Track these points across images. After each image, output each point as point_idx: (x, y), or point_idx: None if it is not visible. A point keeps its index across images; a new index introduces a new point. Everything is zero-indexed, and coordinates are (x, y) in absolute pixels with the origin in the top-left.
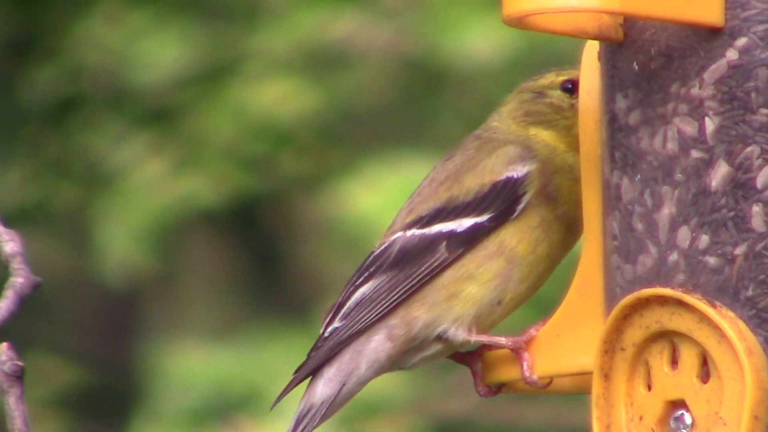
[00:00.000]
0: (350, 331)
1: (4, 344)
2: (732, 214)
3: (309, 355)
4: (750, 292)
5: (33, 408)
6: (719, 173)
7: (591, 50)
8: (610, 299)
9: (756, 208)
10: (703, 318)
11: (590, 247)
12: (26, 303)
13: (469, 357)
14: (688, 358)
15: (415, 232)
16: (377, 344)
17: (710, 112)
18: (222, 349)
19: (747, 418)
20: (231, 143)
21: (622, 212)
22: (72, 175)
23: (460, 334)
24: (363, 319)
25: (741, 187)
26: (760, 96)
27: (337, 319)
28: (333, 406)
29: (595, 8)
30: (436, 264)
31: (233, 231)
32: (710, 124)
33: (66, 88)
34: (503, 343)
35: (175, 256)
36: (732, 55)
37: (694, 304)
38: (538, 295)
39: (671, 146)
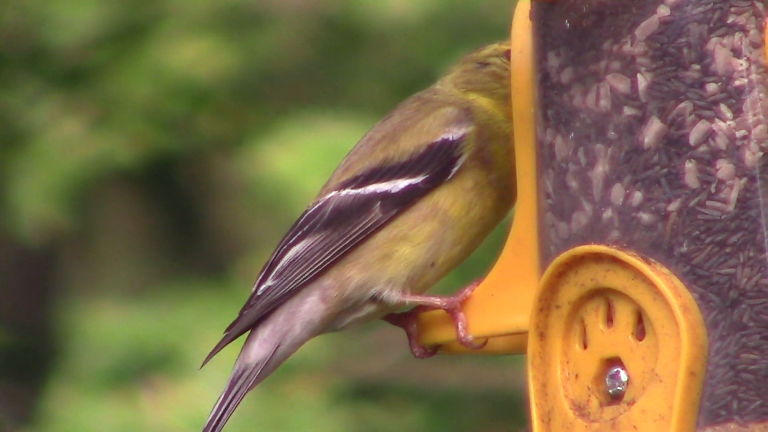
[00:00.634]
0: (283, 290)
1: None
2: (665, 170)
3: (241, 314)
4: (684, 248)
5: None
6: (652, 130)
7: (523, 9)
8: (545, 257)
9: (689, 165)
10: (638, 275)
11: (524, 206)
12: None
13: (404, 318)
14: (624, 315)
15: (350, 191)
16: (311, 305)
17: (642, 69)
18: (140, 309)
19: (683, 375)
20: (148, 103)
21: (556, 170)
22: None
23: (393, 295)
24: (296, 279)
25: (674, 143)
26: (692, 52)
27: (270, 277)
28: (268, 367)
29: None
30: (369, 224)
31: (151, 191)
32: (642, 81)
33: None
34: (438, 303)
35: (92, 215)
36: (663, 11)
37: (629, 261)
38: (473, 260)
39: (604, 104)
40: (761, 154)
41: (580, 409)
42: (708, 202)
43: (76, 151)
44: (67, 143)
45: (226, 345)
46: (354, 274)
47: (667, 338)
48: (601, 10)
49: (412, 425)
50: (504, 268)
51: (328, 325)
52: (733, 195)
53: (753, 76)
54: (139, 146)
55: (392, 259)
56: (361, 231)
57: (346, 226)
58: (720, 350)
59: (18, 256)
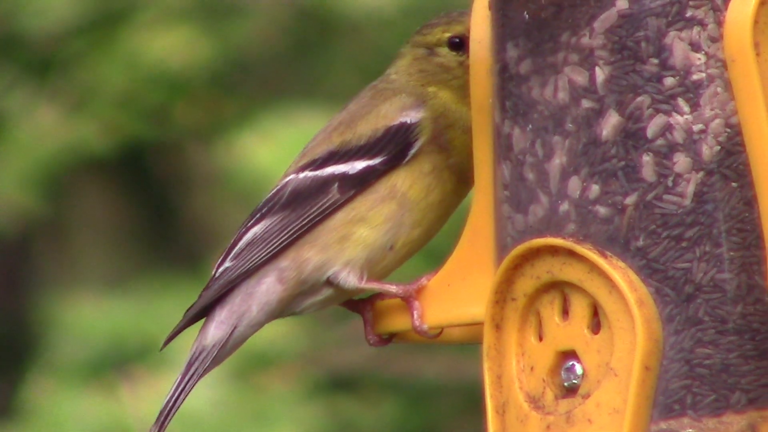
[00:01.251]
0: (240, 271)
1: None
2: (622, 164)
3: (200, 295)
4: (641, 242)
5: None
6: (610, 123)
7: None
8: (501, 249)
9: (646, 158)
10: (594, 268)
11: (481, 197)
12: None
13: (361, 305)
14: (579, 308)
15: (308, 173)
16: (268, 286)
17: (600, 62)
18: (116, 299)
19: (638, 369)
20: (124, 92)
21: (513, 162)
22: None
23: (350, 279)
24: (253, 259)
25: (631, 136)
26: (650, 46)
27: (228, 259)
28: (224, 348)
29: None
30: (327, 205)
31: (127, 181)
32: (600, 74)
33: None
34: (393, 291)
35: (67, 204)
36: (622, 4)
37: (585, 254)
38: (434, 246)
39: (562, 96)
40: (718, 148)
41: (535, 402)
42: (665, 196)
43: (51, 139)
44: (41, 131)
45: (185, 327)
46: (312, 256)
47: (623, 332)
48: (559, 2)
49: (388, 417)
50: (461, 258)
51: (286, 307)
52: (690, 189)
53: (711, 71)
54: (115, 135)
55: (350, 241)
56: (318, 212)
57: (304, 207)
58: (675, 345)
59: None
